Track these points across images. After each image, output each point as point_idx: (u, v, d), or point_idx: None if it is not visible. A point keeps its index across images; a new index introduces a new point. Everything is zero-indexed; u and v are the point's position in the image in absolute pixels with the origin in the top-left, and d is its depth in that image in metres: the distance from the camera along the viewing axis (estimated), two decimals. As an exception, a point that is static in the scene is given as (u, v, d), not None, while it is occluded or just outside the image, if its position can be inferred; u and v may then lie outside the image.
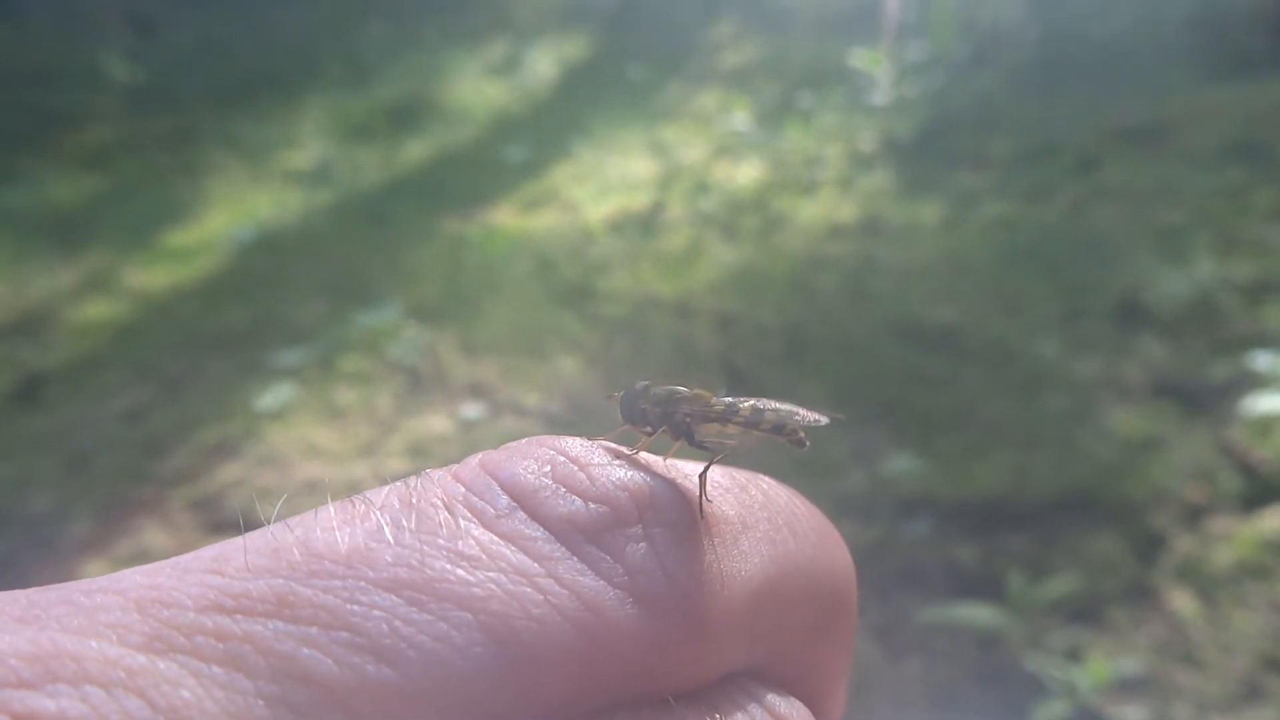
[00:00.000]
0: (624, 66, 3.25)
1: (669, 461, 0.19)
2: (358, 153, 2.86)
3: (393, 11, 4.13)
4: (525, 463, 0.16)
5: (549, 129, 2.83)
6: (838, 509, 1.34)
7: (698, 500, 0.17)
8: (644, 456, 0.19)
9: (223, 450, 1.57)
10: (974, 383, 1.53)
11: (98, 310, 2.11)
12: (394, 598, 0.14)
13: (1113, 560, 1.20)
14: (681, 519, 0.16)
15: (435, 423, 1.55)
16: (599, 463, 0.17)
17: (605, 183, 2.42)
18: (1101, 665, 1.05)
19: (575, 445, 0.17)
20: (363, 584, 0.14)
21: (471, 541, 0.14)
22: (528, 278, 1.94)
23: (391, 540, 0.14)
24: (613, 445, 0.18)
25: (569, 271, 1.98)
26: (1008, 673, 1.09)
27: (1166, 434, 1.38)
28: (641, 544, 0.15)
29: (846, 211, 2.13)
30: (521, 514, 0.15)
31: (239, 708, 0.13)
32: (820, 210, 2.16)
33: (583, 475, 0.16)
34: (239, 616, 0.13)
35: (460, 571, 0.14)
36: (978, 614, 1.12)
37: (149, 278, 2.23)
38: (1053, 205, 2.04)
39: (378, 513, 0.15)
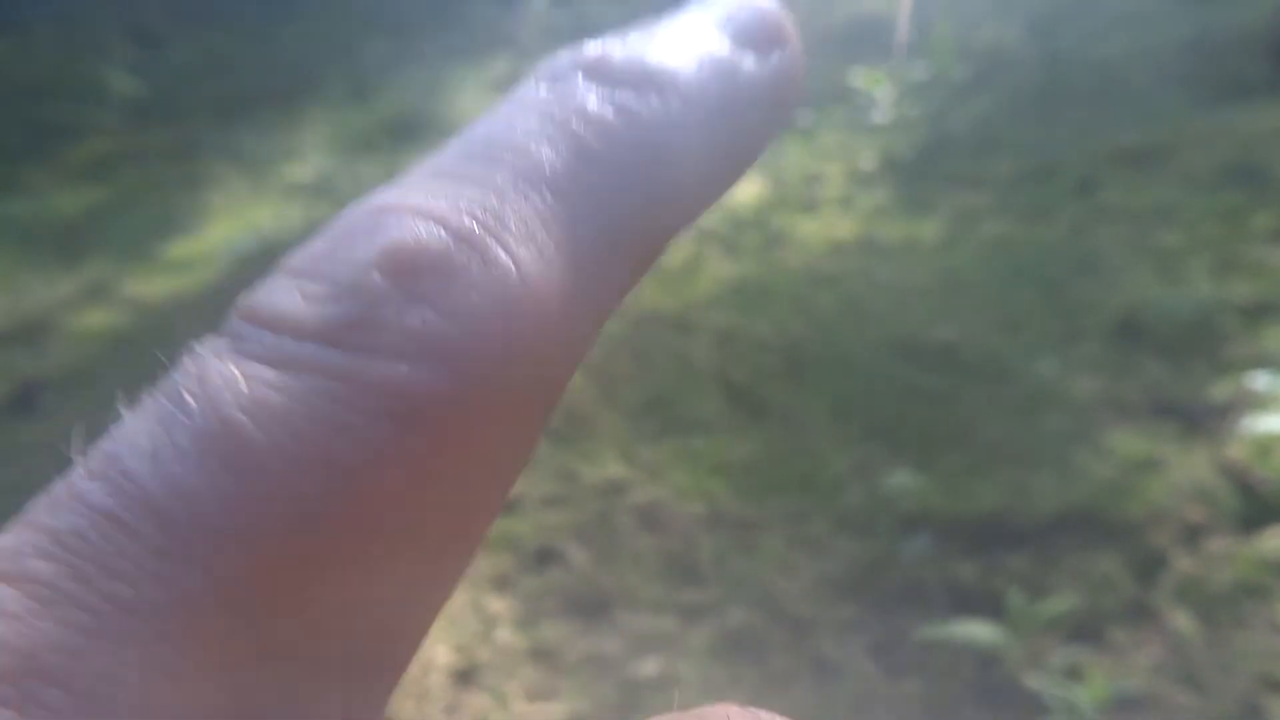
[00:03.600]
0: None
1: None
2: (359, 166, 2.87)
3: (395, 28, 4.15)
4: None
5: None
6: (836, 526, 1.33)
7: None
8: None
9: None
10: (973, 401, 1.53)
11: (96, 320, 2.10)
12: None
13: (1112, 579, 1.20)
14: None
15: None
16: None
17: (605, 199, 2.43)
18: (1102, 684, 1.04)
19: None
20: None
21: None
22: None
23: None
24: None
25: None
26: (1007, 691, 1.08)
27: (1166, 453, 1.38)
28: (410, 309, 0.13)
29: (846, 229, 2.14)
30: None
31: None
32: (820, 228, 2.16)
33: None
34: None
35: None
36: (977, 632, 1.11)
37: (148, 288, 2.23)
38: (1051, 226, 2.05)
39: None
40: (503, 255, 0.14)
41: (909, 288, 1.89)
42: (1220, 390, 1.48)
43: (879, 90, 2.58)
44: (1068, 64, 2.82)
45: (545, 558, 1.28)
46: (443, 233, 0.14)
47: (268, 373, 0.13)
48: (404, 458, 0.13)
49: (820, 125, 2.64)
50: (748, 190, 2.38)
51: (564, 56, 0.17)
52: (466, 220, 0.14)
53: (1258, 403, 1.42)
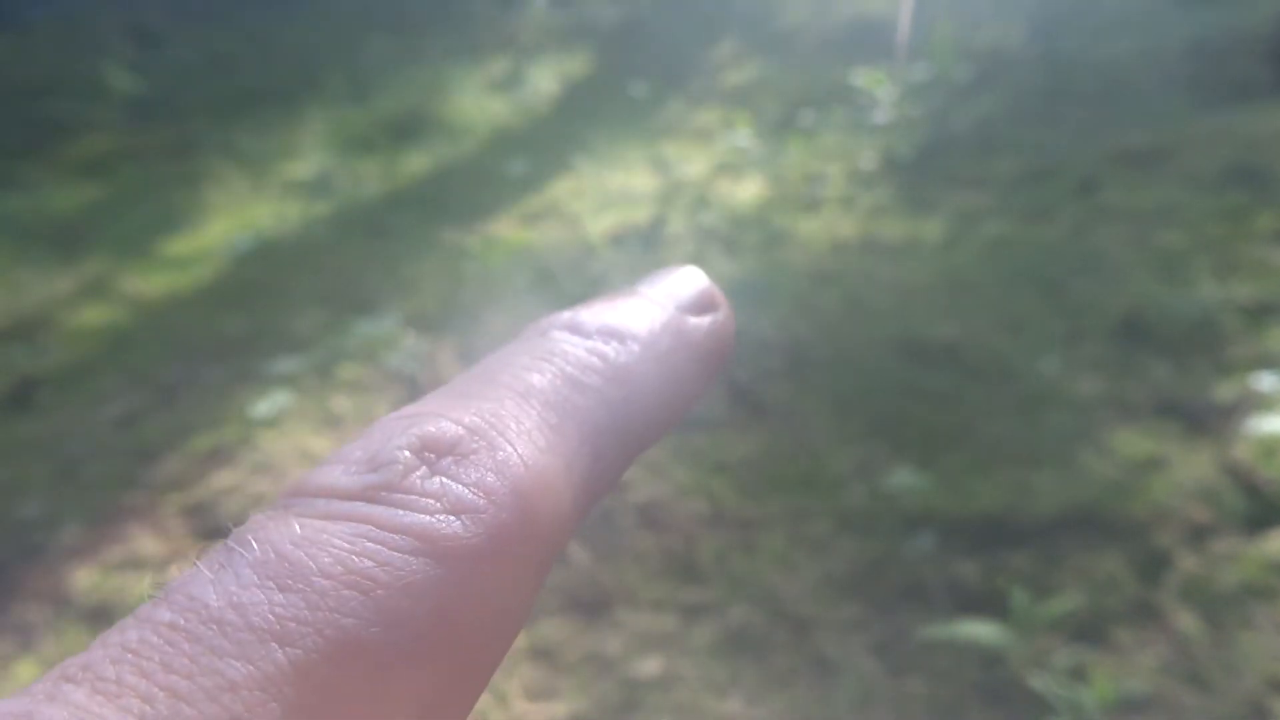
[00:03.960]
0: (625, 84, 3.26)
1: None
2: (358, 164, 2.86)
3: (395, 27, 4.15)
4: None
5: (549, 144, 2.84)
6: (838, 524, 1.32)
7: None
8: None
9: (217, 457, 1.55)
10: (976, 400, 1.52)
11: (94, 316, 2.09)
12: None
13: (1116, 579, 1.19)
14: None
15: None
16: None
17: (606, 197, 2.42)
18: (1106, 685, 1.03)
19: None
20: None
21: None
22: (528, 289, 1.93)
23: None
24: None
25: (569, 284, 1.97)
26: (1011, 691, 1.07)
27: (1170, 453, 1.37)
28: (435, 478, 0.17)
29: (848, 229, 2.13)
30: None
31: None
32: (821, 227, 2.16)
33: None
34: None
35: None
36: (980, 632, 1.10)
37: (146, 285, 2.22)
38: (1054, 225, 2.04)
39: None
40: (506, 444, 0.17)
41: (911, 287, 1.89)
42: (1224, 390, 1.47)
43: (880, 90, 2.58)
44: (1069, 65, 2.82)
45: (545, 556, 1.27)
46: (459, 427, 0.17)
47: (318, 522, 0.16)
48: (429, 587, 0.15)
49: (821, 125, 2.64)
50: (749, 190, 2.37)
51: (543, 319, 0.21)
52: (476, 419, 0.18)
53: (1263, 403, 1.41)
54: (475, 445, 0.17)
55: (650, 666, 1.13)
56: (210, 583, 0.14)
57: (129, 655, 0.13)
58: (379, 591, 0.15)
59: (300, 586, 0.14)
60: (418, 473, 0.16)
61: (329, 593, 0.14)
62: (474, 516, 0.16)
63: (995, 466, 1.37)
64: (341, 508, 0.16)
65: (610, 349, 0.20)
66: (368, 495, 0.16)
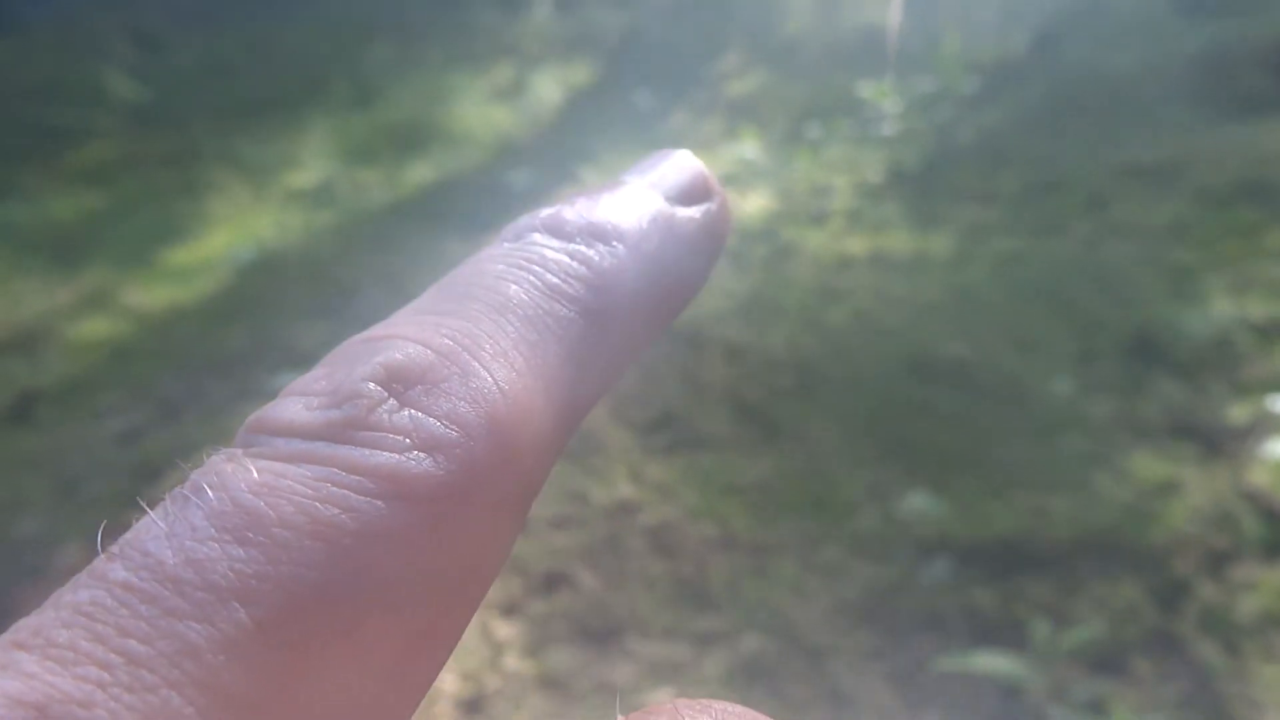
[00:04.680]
0: (629, 94, 3.24)
1: None
2: (361, 174, 2.84)
3: (396, 33, 4.13)
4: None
5: (554, 154, 2.82)
6: (851, 549, 1.30)
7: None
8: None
9: (219, 476, 1.53)
10: (988, 421, 1.51)
11: (94, 329, 2.07)
12: None
13: (1136, 608, 1.17)
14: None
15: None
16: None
17: (611, 209, 2.40)
18: (1126, 718, 1.01)
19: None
20: None
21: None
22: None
23: None
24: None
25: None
26: (1031, 725, 1.05)
27: (1186, 477, 1.36)
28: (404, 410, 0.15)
29: (855, 243, 2.12)
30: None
31: None
32: (829, 241, 2.14)
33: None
34: None
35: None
36: (999, 662, 1.08)
37: (147, 297, 2.20)
38: (1063, 241, 2.02)
39: None
40: (481, 369, 0.16)
41: (920, 303, 1.87)
42: (1239, 412, 1.46)
43: (887, 103, 2.56)
44: (1075, 77, 2.80)
45: (554, 581, 1.25)
46: (428, 351, 0.16)
47: (277, 465, 0.14)
48: (398, 534, 0.14)
49: (827, 138, 2.62)
50: (755, 203, 2.35)
51: (522, 219, 0.20)
52: (447, 342, 0.16)
53: (1278, 426, 1.39)
54: (447, 371, 0.16)
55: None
56: (165, 536, 0.13)
57: (81, 618, 0.13)
58: (346, 541, 0.14)
59: (260, 539, 0.13)
60: (384, 406, 0.15)
61: (291, 544, 0.13)
62: (447, 452, 0.15)
63: (1010, 490, 1.36)
64: (303, 448, 0.15)
65: (594, 252, 0.18)
66: (331, 433, 0.15)
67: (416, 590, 0.14)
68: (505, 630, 1.17)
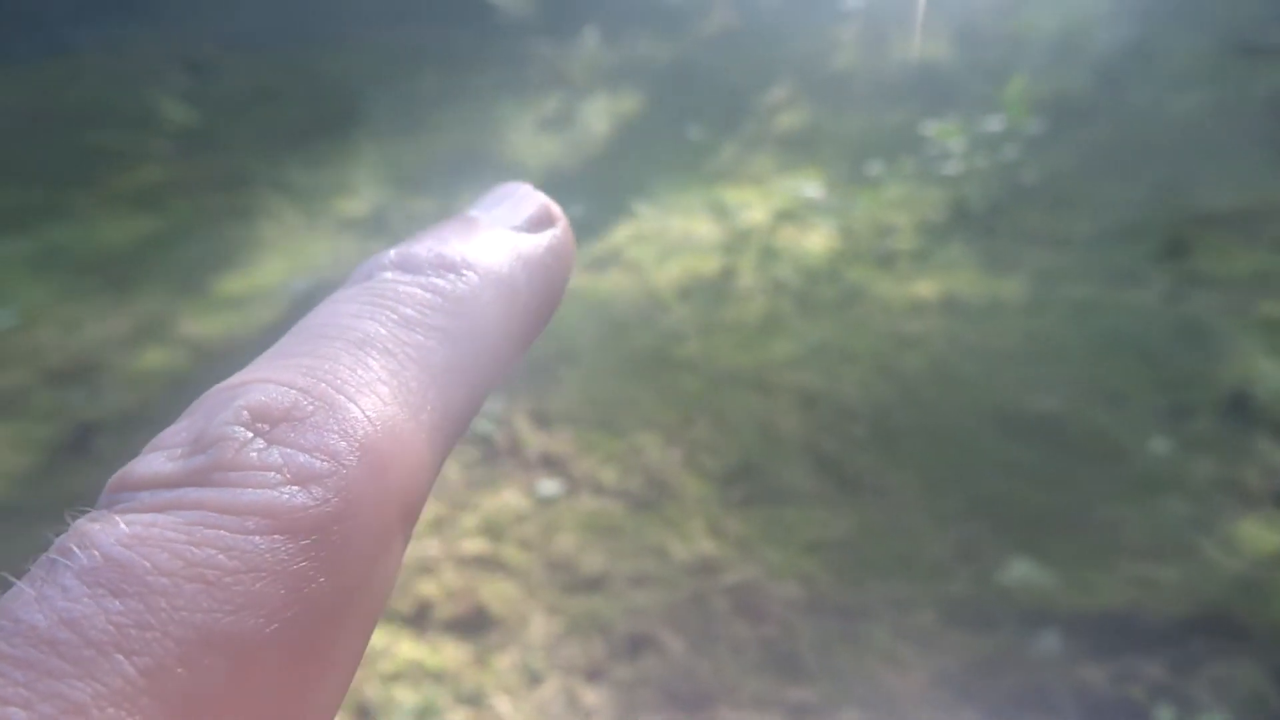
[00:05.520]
0: (678, 125, 3.22)
1: None
2: (413, 202, 2.83)
3: (443, 60, 4.14)
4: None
5: (606, 186, 2.79)
6: (946, 616, 1.24)
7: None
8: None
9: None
10: (1083, 480, 1.44)
11: (152, 359, 2.05)
12: None
13: (1259, 693, 1.10)
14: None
15: (510, 498, 1.47)
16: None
17: (668, 244, 2.37)
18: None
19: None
20: None
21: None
22: (599, 344, 1.87)
23: None
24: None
25: (641, 338, 1.91)
26: (1157, 820, 0.99)
27: (1297, 547, 1.29)
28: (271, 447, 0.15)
29: (925, 287, 2.07)
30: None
31: None
32: (897, 284, 2.09)
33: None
34: None
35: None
36: (1118, 749, 1.02)
37: (203, 326, 2.18)
38: (1143, 290, 1.96)
39: None
40: (346, 401, 0.16)
41: (997, 351, 1.81)
42: (1348, 478, 1.39)
43: (952, 141, 2.52)
44: (1142, 118, 2.75)
45: (638, 645, 1.19)
46: (290, 390, 0.16)
47: (146, 516, 0.14)
48: (280, 566, 0.14)
49: (889, 176, 2.58)
50: (817, 241, 2.31)
51: (371, 259, 0.20)
52: (310, 379, 0.16)
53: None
54: (313, 407, 0.16)
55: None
56: (35, 600, 0.13)
57: None
58: (226, 580, 0.13)
59: (137, 589, 0.13)
60: (252, 445, 0.15)
61: (170, 590, 0.13)
62: (321, 483, 0.15)
63: (1113, 557, 1.29)
64: (171, 496, 0.14)
65: (446, 282, 0.19)
66: (198, 479, 0.15)
67: (307, 619, 0.14)
68: (592, 697, 1.12)
